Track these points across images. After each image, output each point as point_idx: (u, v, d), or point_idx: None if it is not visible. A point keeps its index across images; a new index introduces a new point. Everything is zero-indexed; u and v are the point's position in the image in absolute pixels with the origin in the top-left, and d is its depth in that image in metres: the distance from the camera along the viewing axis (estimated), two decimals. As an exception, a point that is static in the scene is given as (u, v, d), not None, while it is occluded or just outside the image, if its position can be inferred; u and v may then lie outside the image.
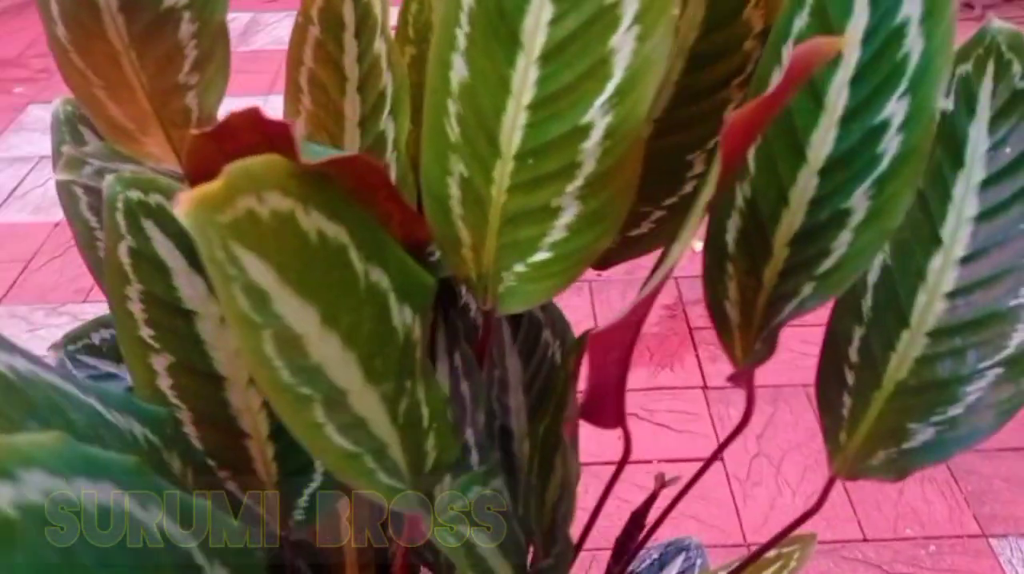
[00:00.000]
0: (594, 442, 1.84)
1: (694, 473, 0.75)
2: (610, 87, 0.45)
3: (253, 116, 0.41)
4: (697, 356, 2.05)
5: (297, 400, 0.42)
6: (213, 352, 0.56)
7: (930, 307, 0.60)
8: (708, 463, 0.79)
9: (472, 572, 0.54)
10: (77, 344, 0.71)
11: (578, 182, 0.49)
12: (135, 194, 0.51)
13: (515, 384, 0.64)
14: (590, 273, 2.35)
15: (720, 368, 2.02)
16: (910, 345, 0.60)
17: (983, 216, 0.60)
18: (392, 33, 0.57)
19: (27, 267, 2.27)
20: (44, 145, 2.72)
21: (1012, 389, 0.58)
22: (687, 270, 2.23)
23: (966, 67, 0.60)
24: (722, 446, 0.75)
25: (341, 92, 0.61)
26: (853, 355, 0.60)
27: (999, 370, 0.58)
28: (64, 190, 0.65)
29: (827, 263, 0.50)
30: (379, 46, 0.58)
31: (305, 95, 0.61)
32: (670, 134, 0.61)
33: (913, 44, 0.46)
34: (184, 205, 0.36)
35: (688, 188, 0.65)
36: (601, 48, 0.45)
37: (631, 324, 0.47)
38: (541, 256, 0.51)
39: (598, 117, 0.47)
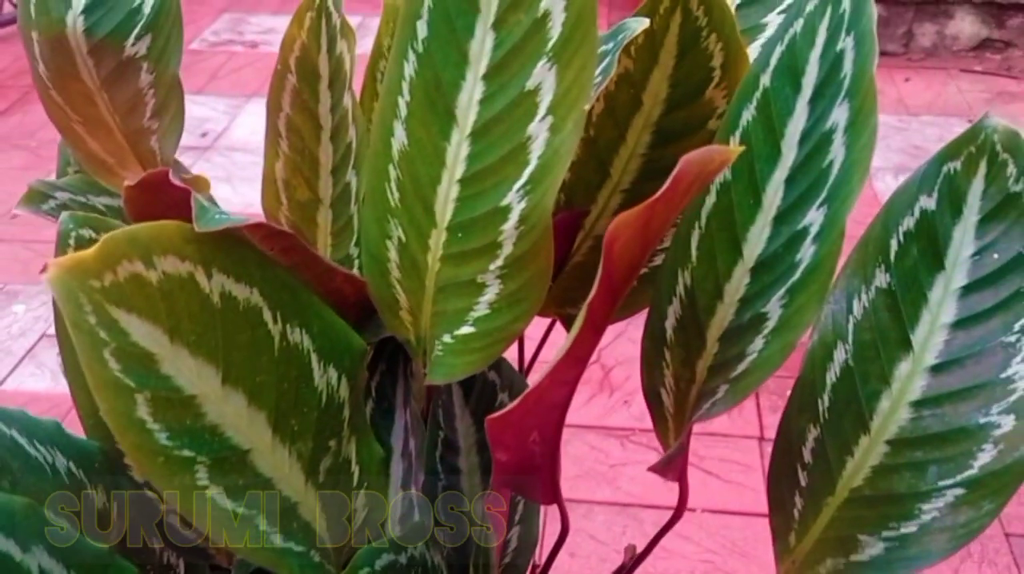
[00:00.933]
0: (639, 484, 1.81)
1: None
2: (526, 173, 0.45)
3: (161, 178, 0.42)
4: (758, 405, 1.99)
5: (171, 463, 0.42)
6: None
7: (893, 414, 0.56)
8: None
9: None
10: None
11: (499, 262, 0.48)
12: (87, 232, 0.53)
13: (467, 446, 0.64)
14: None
15: (779, 418, 1.95)
16: (868, 452, 0.57)
17: (960, 323, 0.56)
18: (358, 89, 0.58)
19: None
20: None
21: (971, 513, 0.54)
22: (759, 315, 2.16)
23: (954, 164, 0.56)
24: None
25: (316, 140, 0.62)
26: (807, 455, 0.58)
27: (960, 490, 0.55)
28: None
29: (741, 366, 0.48)
30: (347, 100, 0.59)
31: (283, 139, 0.62)
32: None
33: (836, 153, 0.44)
34: (52, 270, 0.37)
35: (657, 261, 0.63)
36: (521, 133, 0.45)
37: (530, 408, 0.46)
38: (466, 330, 0.51)
39: (515, 201, 0.46)
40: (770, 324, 0.47)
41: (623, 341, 2.19)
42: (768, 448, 1.95)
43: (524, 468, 0.54)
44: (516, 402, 0.46)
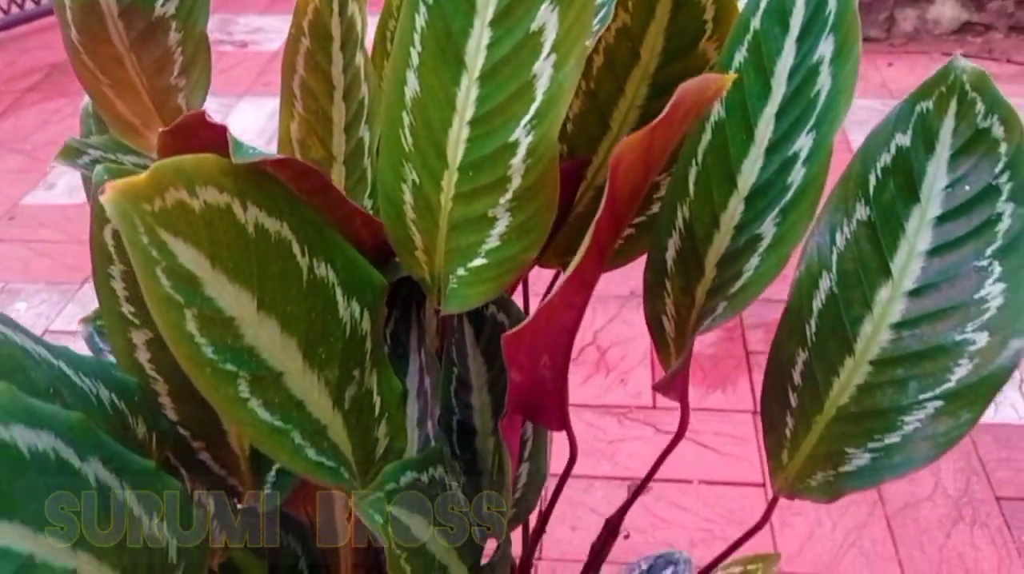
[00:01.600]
0: (637, 459, 1.86)
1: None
2: (532, 109, 0.49)
3: (198, 119, 0.46)
4: (751, 380, 2.03)
5: (218, 375, 0.46)
6: (190, 331, 0.61)
7: (875, 336, 0.61)
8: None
9: (406, 559, 0.57)
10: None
11: (508, 195, 0.52)
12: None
13: (478, 384, 0.68)
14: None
15: (773, 394, 1.99)
16: (853, 372, 0.61)
17: (936, 251, 0.61)
18: (369, 48, 0.62)
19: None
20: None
21: (950, 422, 0.58)
22: (750, 294, 2.21)
23: (926, 104, 0.60)
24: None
25: (329, 99, 0.65)
26: (796, 378, 0.62)
27: (939, 403, 0.59)
28: (85, 177, 0.72)
29: (738, 283, 0.52)
30: (359, 59, 0.63)
31: (298, 101, 0.66)
32: (634, 154, 0.64)
33: (823, 83, 0.48)
34: (109, 193, 0.41)
35: (655, 208, 0.67)
36: (526, 72, 0.49)
37: (541, 326, 0.50)
38: (479, 262, 0.55)
39: (523, 136, 0.50)
40: (764, 243, 0.51)
41: (617, 323, 2.24)
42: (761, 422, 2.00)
43: (536, 391, 0.58)
44: (527, 320, 0.50)
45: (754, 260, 0.52)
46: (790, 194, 0.50)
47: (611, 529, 0.84)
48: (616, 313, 2.23)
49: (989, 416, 1.91)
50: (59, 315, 2.26)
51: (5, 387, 0.44)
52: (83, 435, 0.46)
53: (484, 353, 0.67)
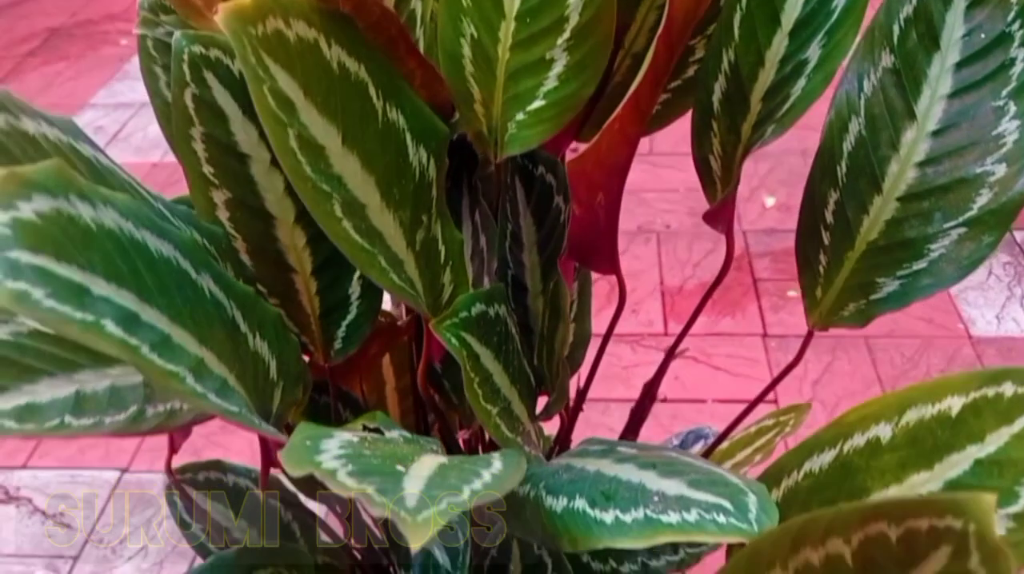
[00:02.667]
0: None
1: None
2: (589, -53, 0.53)
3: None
4: (760, 306, 2.08)
5: (318, 192, 0.51)
6: (264, 193, 0.66)
7: (902, 175, 0.66)
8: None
9: (478, 384, 0.62)
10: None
11: (566, 35, 0.57)
12: (198, 48, 0.61)
13: (529, 244, 0.73)
14: (658, 224, 2.40)
15: (782, 318, 2.05)
16: (882, 209, 0.66)
17: (956, 94, 0.65)
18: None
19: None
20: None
21: (973, 246, 0.63)
22: (756, 224, 2.26)
23: (944, -44, 0.65)
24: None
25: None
26: (829, 217, 0.67)
27: (963, 229, 0.64)
28: (147, 70, 0.76)
29: (785, 107, 0.56)
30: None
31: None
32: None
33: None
34: (222, 13, 0.45)
35: (691, 72, 0.72)
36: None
37: (601, 155, 0.54)
38: (537, 104, 0.59)
39: (580, -27, 0.54)
40: (811, 65, 0.56)
41: (627, 258, 2.29)
42: (771, 343, 2.06)
43: (591, 230, 0.62)
44: (588, 148, 0.54)
45: (801, 82, 0.56)
46: (835, 15, 0.55)
47: (649, 393, 0.89)
48: (625, 248, 2.28)
49: (993, 330, 1.97)
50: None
51: (133, 201, 0.48)
52: (196, 252, 0.51)
53: (534, 214, 0.72)
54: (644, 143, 2.68)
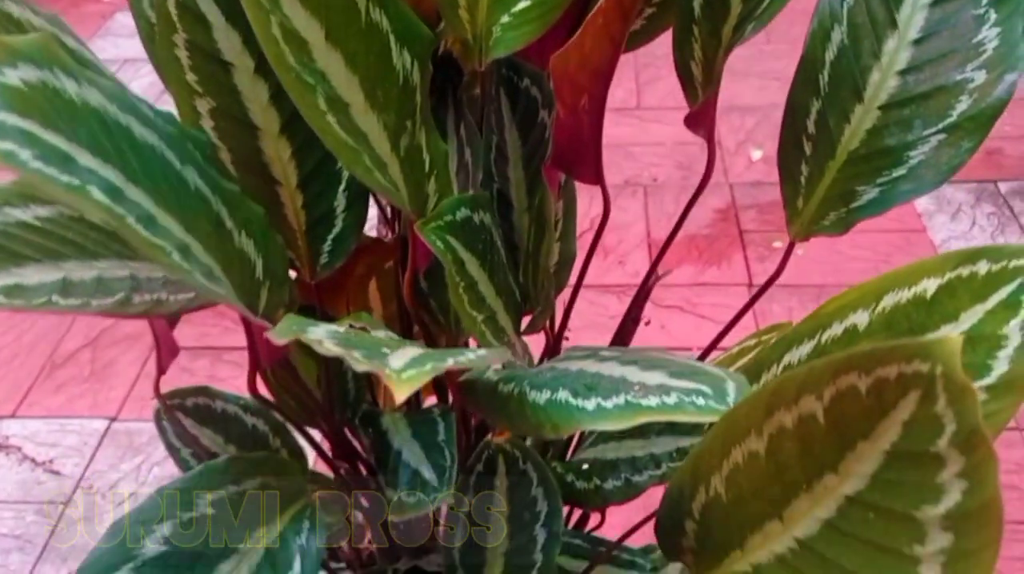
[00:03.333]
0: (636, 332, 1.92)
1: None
2: None
3: None
4: (745, 257, 2.10)
5: (302, 84, 0.51)
6: (248, 103, 0.66)
7: (883, 83, 0.66)
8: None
9: (464, 289, 0.63)
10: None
11: (549, -66, 0.57)
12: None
13: (514, 158, 0.73)
14: (645, 177, 2.40)
15: (767, 268, 2.06)
16: (863, 118, 0.66)
17: (937, 2, 0.66)
18: None
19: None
20: (128, 48, 2.88)
21: (952, 152, 0.64)
22: (742, 177, 2.27)
23: None
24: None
25: None
26: (810, 127, 0.67)
27: (942, 136, 0.65)
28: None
29: (763, 5, 0.57)
30: None
31: None
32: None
33: None
34: None
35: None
36: None
37: (585, 52, 0.54)
38: (522, 4, 0.60)
39: None
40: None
41: (615, 211, 2.29)
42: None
43: (575, 136, 0.63)
44: (571, 41, 0.55)
45: (779, -25, 0.57)
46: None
47: (631, 315, 0.90)
48: (612, 201, 2.28)
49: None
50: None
51: (117, 87, 0.48)
52: (180, 144, 0.51)
53: (519, 127, 0.72)
54: (631, 97, 2.67)
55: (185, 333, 1.88)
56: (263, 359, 0.57)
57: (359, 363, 0.37)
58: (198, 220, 0.50)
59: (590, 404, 0.52)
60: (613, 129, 2.62)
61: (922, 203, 2.14)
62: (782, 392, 0.40)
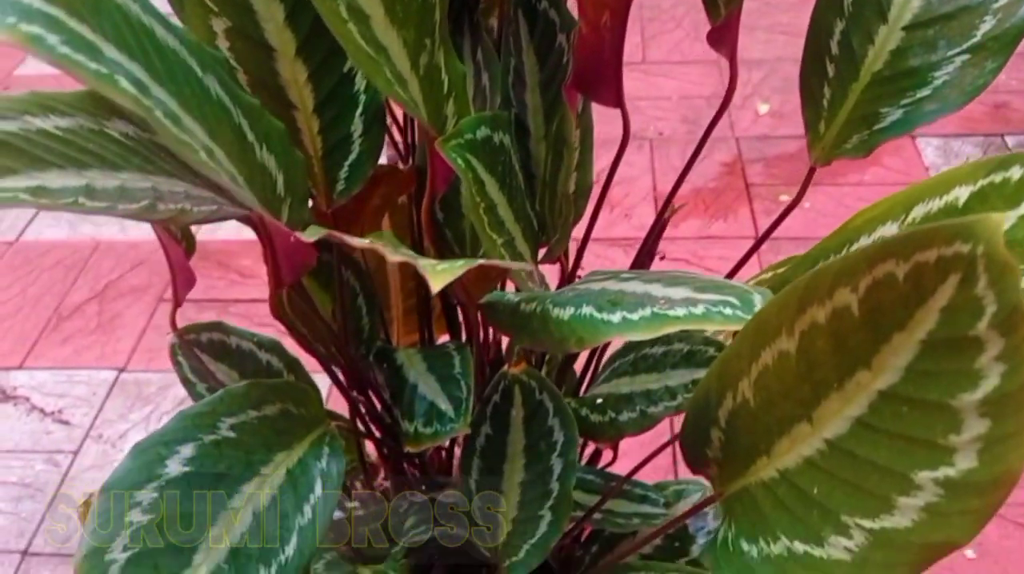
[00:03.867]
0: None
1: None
2: None
3: None
4: (752, 210, 2.09)
5: (322, -11, 0.50)
6: (263, 23, 0.65)
7: (907, 3, 0.65)
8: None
9: (484, 210, 0.63)
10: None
11: None
12: None
13: (532, 83, 0.72)
14: (651, 131, 2.39)
15: (773, 220, 2.05)
16: (887, 39, 0.66)
17: (962, -81, 0.65)
18: None
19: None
20: None
21: (976, 72, 0.63)
22: (749, 130, 2.26)
23: None
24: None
25: None
26: (834, 48, 0.66)
27: (966, 56, 0.64)
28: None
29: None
30: None
31: None
32: None
33: None
34: None
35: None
36: None
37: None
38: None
39: None
40: None
41: (621, 164, 2.29)
42: (762, 246, 2.07)
43: (596, 55, 0.62)
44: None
45: None
46: None
47: (647, 251, 0.90)
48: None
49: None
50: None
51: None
52: (201, 52, 0.51)
53: (537, 51, 0.71)
54: (637, 51, 2.65)
55: (191, 285, 1.88)
56: (285, 275, 0.57)
57: (394, 255, 0.37)
58: (221, 128, 0.50)
59: (615, 317, 0.52)
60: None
61: (929, 156, 2.14)
62: (816, 286, 0.39)
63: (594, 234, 0.83)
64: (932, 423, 0.38)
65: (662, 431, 0.90)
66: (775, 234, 2.17)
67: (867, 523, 0.42)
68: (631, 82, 2.46)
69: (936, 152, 2.12)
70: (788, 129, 2.21)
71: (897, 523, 0.41)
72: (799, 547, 0.45)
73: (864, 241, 0.52)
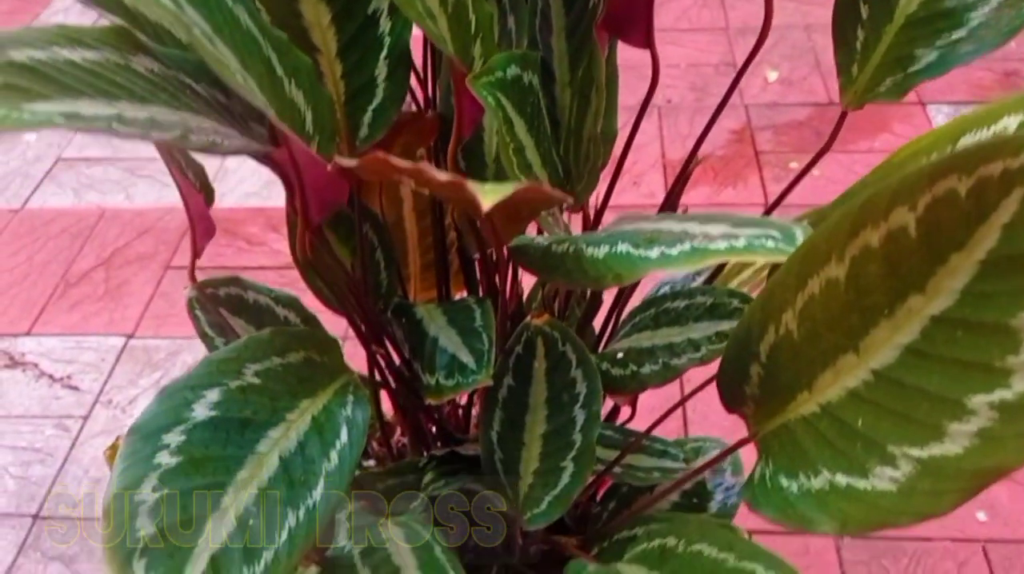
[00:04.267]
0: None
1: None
2: None
3: None
4: (761, 177, 2.08)
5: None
6: (288, -38, 0.64)
7: (943, -53, 0.64)
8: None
9: (513, 151, 0.62)
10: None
11: None
12: None
13: (558, 28, 0.71)
14: (659, 98, 2.37)
15: (782, 188, 2.05)
16: (922, -19, 0.65)
17: None
18: None
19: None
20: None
21: (1013, 12, 0.62)
22: (758, 98, 2.24)
23: None
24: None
25: None
26: (867, -14, 0.65)
27: (1003, -5, 0.63)
28: None
29: None
30: None
31: None
32: None
33: None
34: None
35: None
36: None
37: None
38: None
39: None
40: None
41: (627, 131, 2.28)
42: (772, 214, 2.06)
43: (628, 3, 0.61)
44: None
45: None
46: None
47: (671, 204, 0.89)
48: (627, 121, 2.26)
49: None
50: (70, 144, 2.28)
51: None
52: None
53: (562, -5, 0.70)
54: (645, 18, 2.62)
55: (199, 252, 1.87)
56: (314, 213, 0.56)
57: (441, 174, 0.36)
58: (252, 59, 0.49)
59: (653, 253, 0.51)
60: (627, 51, 2.60)
61: (939, 123, 2.12)
62: (871, 207, 0.39)
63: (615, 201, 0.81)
64: (988, 346, 0.37)
65: (672, 395, 0.90)
66: (785, 201, 2.16)
67: (915, 452, 0.41)
68: (639, 50, 2.44)
69: (946, 119, 2.11)
70: (797, 96, 2.20)
71: (947, 450, 0.40)
72: (841, 479, 0.45)
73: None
